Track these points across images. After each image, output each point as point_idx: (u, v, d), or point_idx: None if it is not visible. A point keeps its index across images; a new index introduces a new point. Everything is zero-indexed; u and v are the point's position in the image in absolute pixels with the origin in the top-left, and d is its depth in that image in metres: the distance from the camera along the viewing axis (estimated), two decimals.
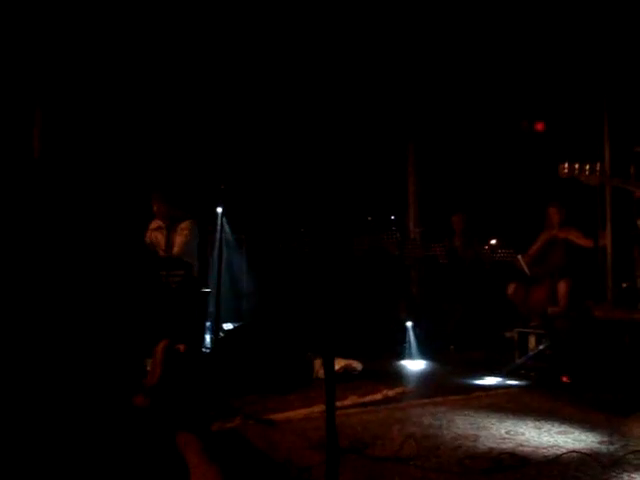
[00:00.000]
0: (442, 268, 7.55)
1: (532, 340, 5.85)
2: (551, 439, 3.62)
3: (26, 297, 1.49)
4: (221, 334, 5.98)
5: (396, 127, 8.52)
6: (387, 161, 8.71)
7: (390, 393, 4.89)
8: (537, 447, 3.47)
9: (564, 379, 5.07)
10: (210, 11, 6.28)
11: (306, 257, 7.74)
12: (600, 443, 3.53)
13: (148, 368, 2.09)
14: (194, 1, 6.20)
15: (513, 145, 8.09)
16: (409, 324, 6.76)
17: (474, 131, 8.25)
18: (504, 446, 3.50)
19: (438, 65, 7.34)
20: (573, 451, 3.34)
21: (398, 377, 5.70)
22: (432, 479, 3.00)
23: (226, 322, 6.76)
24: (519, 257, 6.62)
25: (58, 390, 1.39)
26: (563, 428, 3.84)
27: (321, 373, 5.14)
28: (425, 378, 5.75)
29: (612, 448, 3.43)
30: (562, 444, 3.51)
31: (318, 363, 5.27)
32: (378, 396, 4.78)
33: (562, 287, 6.11)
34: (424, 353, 6.58)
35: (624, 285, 5.28)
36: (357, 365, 5.47)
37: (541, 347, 5.64)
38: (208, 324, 6.24)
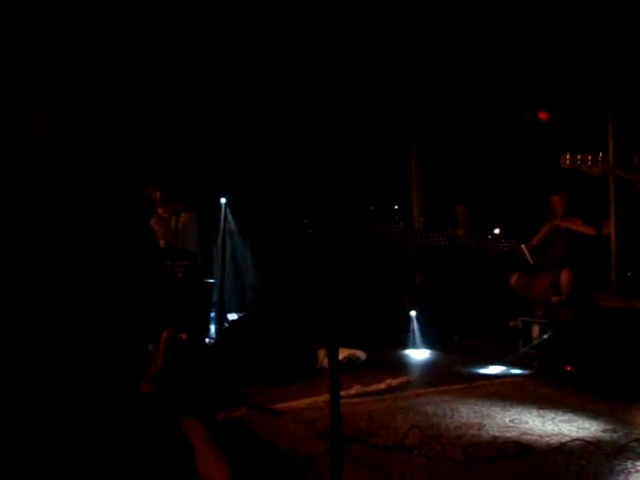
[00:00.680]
0: (446, 258, 7.55)
1: (536, 329, 5.86)
2: (555, 427, 3.63)
3: (30, 282, 1.50)
4: (225, 324, 6.00)
5: (399, 117, 8.51)
6: (390, 151, 8.70)
7: (394, 382, 4.90)
8: (541, 435, 3.48)
9: (568, 368, 5.07)
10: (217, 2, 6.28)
11: (310, 247, 7.75)
12: (604, 431, 3.54)
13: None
14: None
15: (516, 135, 8.08)
16: (413, 313, 6.78)
17: (477, 121, 8.24)
18: (508, 434, 3.51)
19: (442, 55, 7.32)
20: (577, 439, 3.35)
21: (402, 366, 5.71)
22: (436, 467, 3.01)
23: (230, 312, 6.78)
24: (522, 246, 6.62)
25: (66, 376, 1.41)
26: (567, 417, 3.85)
27: (325, 363, 5.16)
28: (429, 367, 5.76)
29: (616, 436, 3.43)
30: (566, 432, 3.52)
31: (322, 353, 5.28)
32: (382, 385, 4.80)
33: (564, 276, 6.11)
34: (428, 342, 6.59)
35: (628, 274, 5.28)
36: (361, 355, 5.49)
37: (545, 336, 5.65)
38: (212, 314, 6.26)
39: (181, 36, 6.64)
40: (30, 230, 1.57)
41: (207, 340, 5.85)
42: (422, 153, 8.70)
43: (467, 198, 7.78)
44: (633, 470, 2.91)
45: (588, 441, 3.31)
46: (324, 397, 4.14)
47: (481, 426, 3.68)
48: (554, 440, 3.38)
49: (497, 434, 3.52)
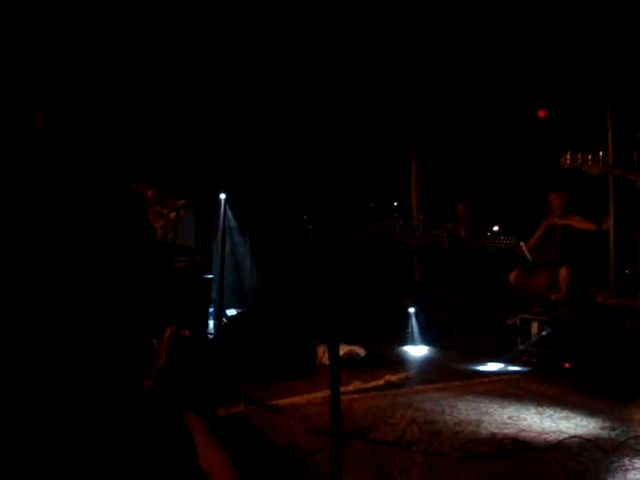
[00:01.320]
0: (445, 254, 7.55)
1: (534, 326, 5.87)
2: (553, 424, 3.64)
3: (31, 282, 1.50)
4: (224, 320, 6.00)
5: (399, 115, 8.51)
6: (390, 148, 8.70)
7: (393, 379, 4.91)
8: (539, 432, 3.49)
9: (566, 365, 5.08)
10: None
11: (309, 244, 7.75)
12: (602, 428, 3.55)
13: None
14: None
15: (515, 132, 8.08)
16: (412, 310, 6.78)
17: (476, 119, 8.24)
18: (506, 431, 3.52)
19: (442, 54, 7.31)
20: (575, 436, 3.37)
21: (401, 363, 5.72)
22: (434, 464, 3.02)
23: (229, 308, 6.79)
24: (521, 244, 6.63)
25: (72, 373, 1.42)
26: (565, 414, 3.86)
27: (324, 359, 5.17)
28: (428, 364, 5.77)
29: (613, 433, 3.45)
30: (564, 429, 3.53)
31: (321, 349, 5.29)
32: (381, 382, 4.81)
33: (563, 274, 6.12)
34: (427, 339, 6.60)
35: (627, 271, 5.29)
36: (360, 351, 5.49)
37: (543, 333, 5.66)
38: (211, 310, 6.27)
39: (179, 32, 6.64)
40: (31, 228, 1.57)
41: (206, 336, 5.85)
42: (422, 151, 8.71)
43: (466, 195, 7.78)
44: (631, 467, 2.92)
45: (586, 438, 3.33)
46: (323, 393, 4.16)
47: (479, 423, 3.69)
48: (552, 437, 3.40)
49: (495, 431, 3.53)
